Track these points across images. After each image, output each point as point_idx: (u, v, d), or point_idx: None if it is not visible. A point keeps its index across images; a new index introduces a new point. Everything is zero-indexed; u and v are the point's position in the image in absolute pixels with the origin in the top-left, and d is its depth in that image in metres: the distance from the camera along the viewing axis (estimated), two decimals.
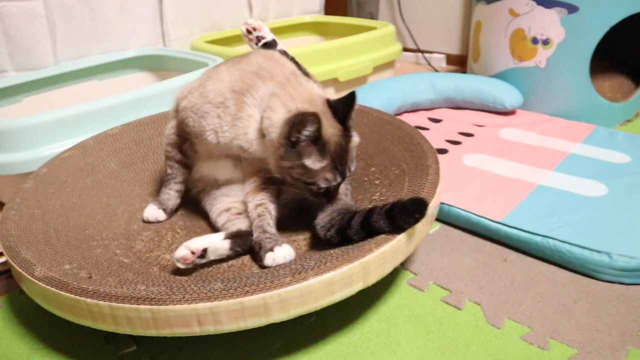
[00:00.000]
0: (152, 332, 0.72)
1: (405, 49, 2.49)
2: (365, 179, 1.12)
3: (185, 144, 1.04)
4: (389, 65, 2.06)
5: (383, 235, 0.80)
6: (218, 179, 1.07)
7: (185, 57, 1.74)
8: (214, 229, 1.03)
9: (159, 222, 1.09)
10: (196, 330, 0.71)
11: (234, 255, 0.93)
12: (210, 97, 0.95)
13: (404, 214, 0.79)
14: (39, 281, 0.77)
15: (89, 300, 0.73)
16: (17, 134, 1.25)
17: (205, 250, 0.89)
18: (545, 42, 1.56)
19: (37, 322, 0.93)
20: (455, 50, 2.35)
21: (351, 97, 0.88)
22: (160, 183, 1.18)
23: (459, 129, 1.53)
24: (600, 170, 1.24)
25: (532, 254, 1.04)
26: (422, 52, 2.39)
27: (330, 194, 0.91)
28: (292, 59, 1.05)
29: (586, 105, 1.59)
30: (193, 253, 0.87)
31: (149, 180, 1.23)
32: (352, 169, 0.92)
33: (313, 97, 0.91)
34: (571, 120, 1.55)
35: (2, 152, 1.24)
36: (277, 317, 0.72)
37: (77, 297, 0.73)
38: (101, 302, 0.72)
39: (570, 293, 0.94)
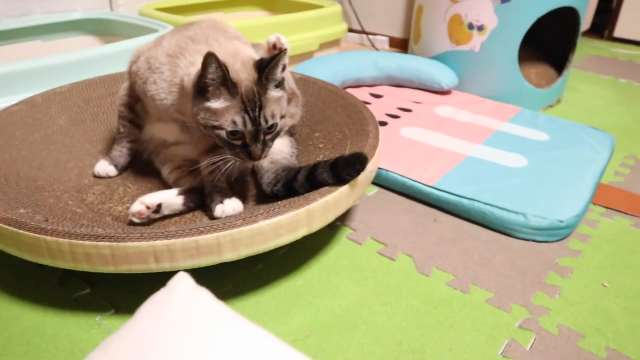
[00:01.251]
0: (110, 269, 0.77)
1: (351, 30, 2.57)
2: (310, 142, 1.20)
3: (137, 105, 1.07)
4: (334, 43, 2.14)
5: (327, 188, 0.88)
6: (167, 140, 1.11)
7: (134, 22, 1.74)
8: (166, 186, 1.07)
9: (109, 177, 1.12)
10: (153, 266, 0.76)
11: (187, 210, 0.98)
12: (151, 63, 0.97)
13: (346, 166, 0.87)
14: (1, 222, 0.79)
15: (48, 237, 0.76)
16: None
17: (159, 206, 0.93)
18: (480, 29, 1.68)
19: None
20: (397, 33, 2.45)
21: (275, 55, 0.85)
22: (111, 142, 1.21)
23: (398, 105, 1.63)
24: (523, 146, 1.37)
25: (459, 215, 1.15)
26: (367, 33, 2.48)
27: (250, 152, 0.86)
28: None
29: (514, 89, 1.73)
30: (148, 208, 0.91)
31: (99, 138, 1.25)
32: (270, 121, 0.86)
33: (238, 52, 0.90)
34: (500, 102, 1.69)
35: None
36: (229, 256, 0.78)
37: (37, 235, 0.76)
38: (60, 240, 0.75)
39: (491, 248, 1.05)
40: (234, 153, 0.87)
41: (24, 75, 1.30)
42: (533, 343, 0.82)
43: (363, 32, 2.49)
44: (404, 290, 0.92)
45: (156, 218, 0.94)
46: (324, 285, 0.93)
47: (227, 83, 0.83)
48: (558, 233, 1.08)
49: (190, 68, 0.91)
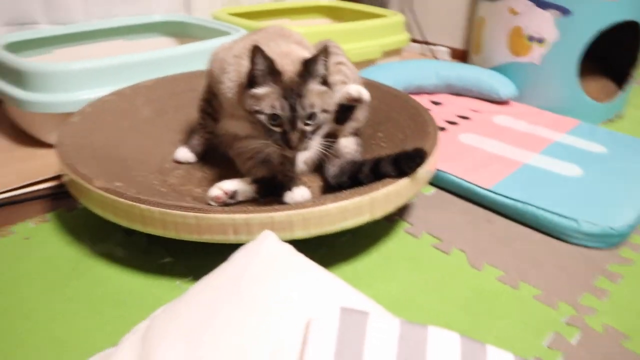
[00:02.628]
0: (194, 237, 0.87)
1: (413, 40, 2.63)
2: (373, 142, 1.27)
3: (215, 100, 1.18)
4: (396, 52, 2.20)
5: (389, 179, 0.95)
6: (239, 134, 1.21)
7: (208, 25, 1.87)
8: (240, 174, 1.17)
9: (189, 163, 1.23)
10: (231, 237, 0.85)
11: (259, 197, 1.07)
12: (222, 64, 1.07)
13: (407, 160, 0.94)
14: (99, 190, 0.91)
15: (142, 206, 0.87)
16: (60, 77, 1.38)
17: (235, 192, 1.02)
18: (540, 41, 1.71)
19: (84, 234, 1.07)
20: (459, 44, 2.50)
21: (318, 53, 0.92)
22: (191, 132, 1.32)
23: (457, 112, 1.68)
24: (579, 157, 1.40)
25: (513, 218, 1.19)
26: (428, 43, 2.53)
27: (287, 140, 0.91)
28: None
29: (573, 102, 1.75)
30: (225, 193, 1.00)
31: (180, 129, 1.37)
32: (308, 110, 0.91)
33: (290, 53, 0.97)
34: (559, 115, 1.71)
35: (44, 92, 1.37)
36: (299, 233, 0.87)
37: (132, 203, 0.87)
38: (153, 208, 0.86)
39: (542, 250, 1.09)
40: (273, 140, 0.93)
41: (115, 70, 1.43)
42: (578, 339, 0.86)
43: (425, 42, 2.55)
44: (456, 281, 0.98)
45: (231, 203, 1.03)
46: (382, 271, 1.00)
47: (271, 72, 0.90)
48: (610, 240, 1.11)
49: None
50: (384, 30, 2.09)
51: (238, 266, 0.52)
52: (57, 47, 1.82)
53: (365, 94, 1.06)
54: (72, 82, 1.38)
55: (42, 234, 1.07)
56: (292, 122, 0.91)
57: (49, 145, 1.41)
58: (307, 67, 0.92)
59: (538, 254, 1.08)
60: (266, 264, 0.52)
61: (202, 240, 0.87)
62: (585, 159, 1.39)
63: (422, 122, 1.22)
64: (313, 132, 0.94)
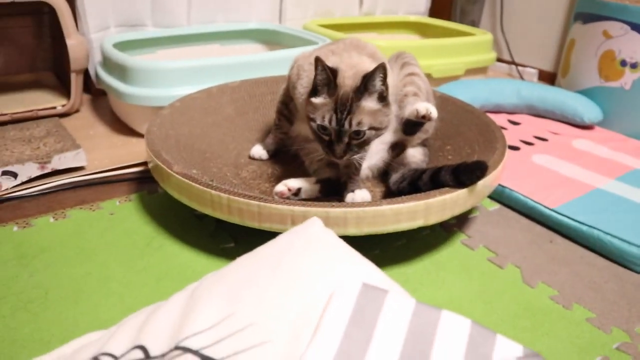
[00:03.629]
0: (255, 225, 0.94)
1: (501, 60, 2.60)
2: (440, 154, 1.30)
3: (291, 103, 1.26)
4: (481, 70, 2.20)
5: (447, 188, 0.98)
6: (309, 137, 1.28)
7: (298, 34, 1.97)
8: (308, 174, 1.24)
9: (262, 160, 1.32)
10: (289, 227, 0.91)
11: (322, 197, 1.13)
12: (299, 70, 1.14)
13: (467, 172, 0.96)
14: (177, 174, 1.01)
15: (213, 192, 0.95)
16: (156, 74, 1.52)
17: (299, 190, 1.09)
18: (634, 66, 1.65)
19: (161, 215, 1.18)
20: (548, 66, 2.44)
21: (375, 68, 0.95)
22: (266, 132, 1.41)
23: (534, 133, 1.66)
24: None
25: (577, 241, 1.17)
26: (516, 64, 2.49)
27: (333, 150, 0.97)
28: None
29: None
30: (289, 190, 1.07)
31: (257, 128, 1.46)
32: (354, 127, 0.96)
33: (358, 64, 1.02)
34: None
35: (142, 86, 1.51)
36: (352, 230, 0.92)
37: (205, 188, 0.96)
38: (222, 194, 0.94)
39: (603, 275, 1.06)
40: (322, 146, 1.00)
41: (206, 70, 1.56)
42: None
43: (513, 62, 2.51)
44: (506, 295, 0.98)
45: (295, 200, 1.10)
46: (432, 278, 1.02)
47: (330, 84, 0.96)
48: None
49: None
50: (469, 48, 2.10)
51: (283, 243, 0.59)
52: (161, 48, 2.00)
53: (434, 113, 1.08)
54: (167, 79, 1.52)
55: (124, 212, 1.19)
56: (339, 135, 0.97)
57: (141, 135, 1.56)
58: (365, 82, 0.96)
59: (598, 278, 1.05)
60: (307, 242, 0.58)
61: (262, 228, 0.94)
62: None
63: (491, 139, 1.23)
64: (360, 145, 0.99)
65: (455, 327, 0.51)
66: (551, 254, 1.12)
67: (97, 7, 1.87)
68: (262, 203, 0.92)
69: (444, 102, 1.47)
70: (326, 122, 0.97)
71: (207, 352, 0.48)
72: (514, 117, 1.80)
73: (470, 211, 1.26)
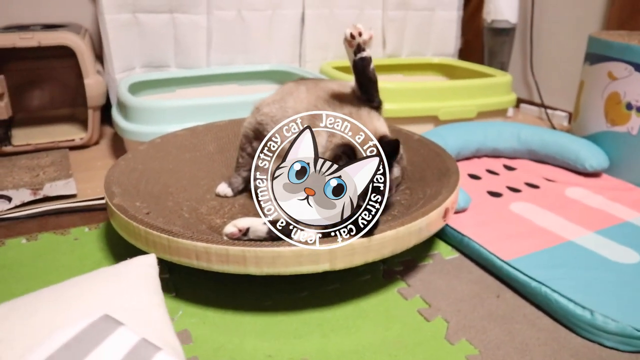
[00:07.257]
0: (167, 257, 0.97)
1: (531, 102, 2.51)
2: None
3: (257, 141, 1.29)
4: (498, 113, 2.12)
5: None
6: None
7: (309, 76, 2.02)
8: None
9: (226, 197, 1.36)
10: (194, 262, 0.94)
11: (270, 239, 1.13)
12: (289, 113, 1.17)
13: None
14: (114, 206, 1.07)
15: (134, 223, 1.00)
16: (151, 112, 1.63)
17: (247, 230, 1.11)
18: None
19: (114, 243, 1.24)
20: None
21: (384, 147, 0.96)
22: None
23: (527, 179, 1.58)
24: None
25: (526, 297, 1.09)
26: (545, 107, 2.39)
27: None
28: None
29: None
30: (240, 230, 1.09)
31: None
32: None
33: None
34: None
35: (138, 123, 1.62)
36: (253, 269, 0.93)
37: (128, 220, 1.01)
38: (140, 226, 0.98)
39: (540, 337, 0.99)
40: None
41: (197, 109, 1.65)
42: None
43: (542, 105, 2.41)
44: (418, 349, 0.94)
45: (246, 240, 1.04)
46: (347, 325, 1.00)
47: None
48: (632, 343, 0.96)
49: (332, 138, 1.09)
50: (482, 90, 2.04)
51: (95, 274, 0.63)
52: (181, 87, 2.13)
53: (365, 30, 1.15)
54: (162, 117, 1.62)
55: (88, 238, 1.27)
56: None
57: None
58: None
59: (534, 340, 0.98)
60: (104, 274, 0.61)
61: (172, 261, 0.97)
62: None
63: (448, 178, 1.19)
64: None
65: None
66: (491, 310, 1.06)
67: (123, 49, 2.03)
68: (171, 237, 0.95)
69: (420, 145, 1.45)
70: None
71: None
72: (512, 162, 1.72)
73: (422, 259, 1.22)
